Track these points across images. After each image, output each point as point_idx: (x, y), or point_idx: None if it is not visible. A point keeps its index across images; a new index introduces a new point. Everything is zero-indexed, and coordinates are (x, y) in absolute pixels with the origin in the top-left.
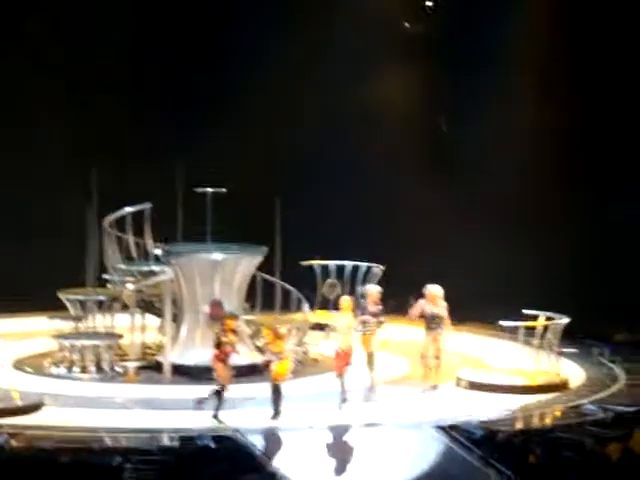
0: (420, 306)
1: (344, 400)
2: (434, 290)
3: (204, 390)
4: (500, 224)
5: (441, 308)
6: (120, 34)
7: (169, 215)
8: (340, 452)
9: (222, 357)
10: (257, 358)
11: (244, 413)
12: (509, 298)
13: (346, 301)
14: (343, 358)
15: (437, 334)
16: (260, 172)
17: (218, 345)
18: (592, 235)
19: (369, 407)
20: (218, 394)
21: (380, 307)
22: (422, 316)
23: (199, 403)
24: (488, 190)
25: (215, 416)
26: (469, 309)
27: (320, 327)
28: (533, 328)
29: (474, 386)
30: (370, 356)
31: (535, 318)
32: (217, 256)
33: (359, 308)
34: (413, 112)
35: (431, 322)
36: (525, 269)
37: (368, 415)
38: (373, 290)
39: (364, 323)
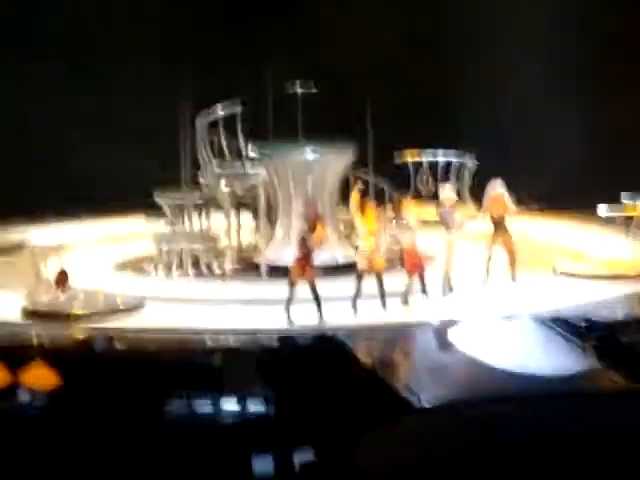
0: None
1: (406, 300)
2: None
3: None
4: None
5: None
6: None
7: (260, 116)
8: (442, 348)
9: (304, 258)
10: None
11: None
12: (606, 183)
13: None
14: (410, 257)
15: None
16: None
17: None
18: None
19: (458, 302)
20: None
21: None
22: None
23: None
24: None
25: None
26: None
27: None
28: (631, 217)
29: (572, 275)
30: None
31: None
32: (309, 156)
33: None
34: None
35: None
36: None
37: (462, 309)
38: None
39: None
